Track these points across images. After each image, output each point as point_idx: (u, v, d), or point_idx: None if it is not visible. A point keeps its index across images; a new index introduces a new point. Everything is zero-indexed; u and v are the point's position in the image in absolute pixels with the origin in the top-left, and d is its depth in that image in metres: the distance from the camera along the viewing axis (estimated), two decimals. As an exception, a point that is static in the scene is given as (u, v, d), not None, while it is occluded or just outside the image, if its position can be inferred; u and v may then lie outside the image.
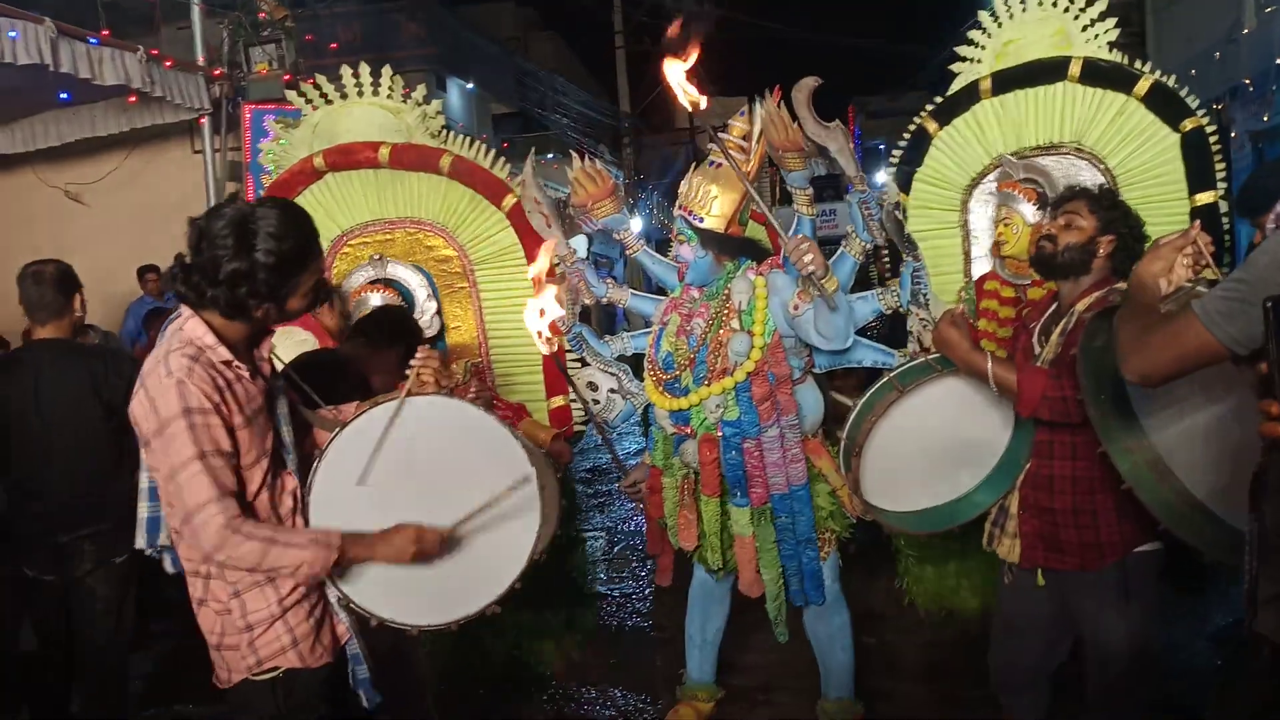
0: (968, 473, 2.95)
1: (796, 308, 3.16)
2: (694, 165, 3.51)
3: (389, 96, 4.27)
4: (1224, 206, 3.85)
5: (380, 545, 2.17)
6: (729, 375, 3.23)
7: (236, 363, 2.09)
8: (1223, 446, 2.26)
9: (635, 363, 3.73)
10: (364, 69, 4.27)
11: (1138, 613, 2.69)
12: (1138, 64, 4.01)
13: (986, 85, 4.11)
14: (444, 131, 4.31)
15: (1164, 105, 3.86)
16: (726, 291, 3.32)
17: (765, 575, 3.33)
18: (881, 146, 22.28)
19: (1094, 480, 2.63)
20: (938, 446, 2.97)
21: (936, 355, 2.90)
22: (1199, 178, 3.82)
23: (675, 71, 2.86)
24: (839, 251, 3.28)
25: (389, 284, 4.08)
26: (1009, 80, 4.10)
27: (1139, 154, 3.92)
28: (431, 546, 2.18)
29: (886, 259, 4.13)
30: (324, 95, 4.31)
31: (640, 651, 4.66)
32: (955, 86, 4.26)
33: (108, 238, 8.30)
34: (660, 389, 3.41)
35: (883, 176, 7.00)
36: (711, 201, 3.29)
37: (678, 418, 3.36)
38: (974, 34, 4.28)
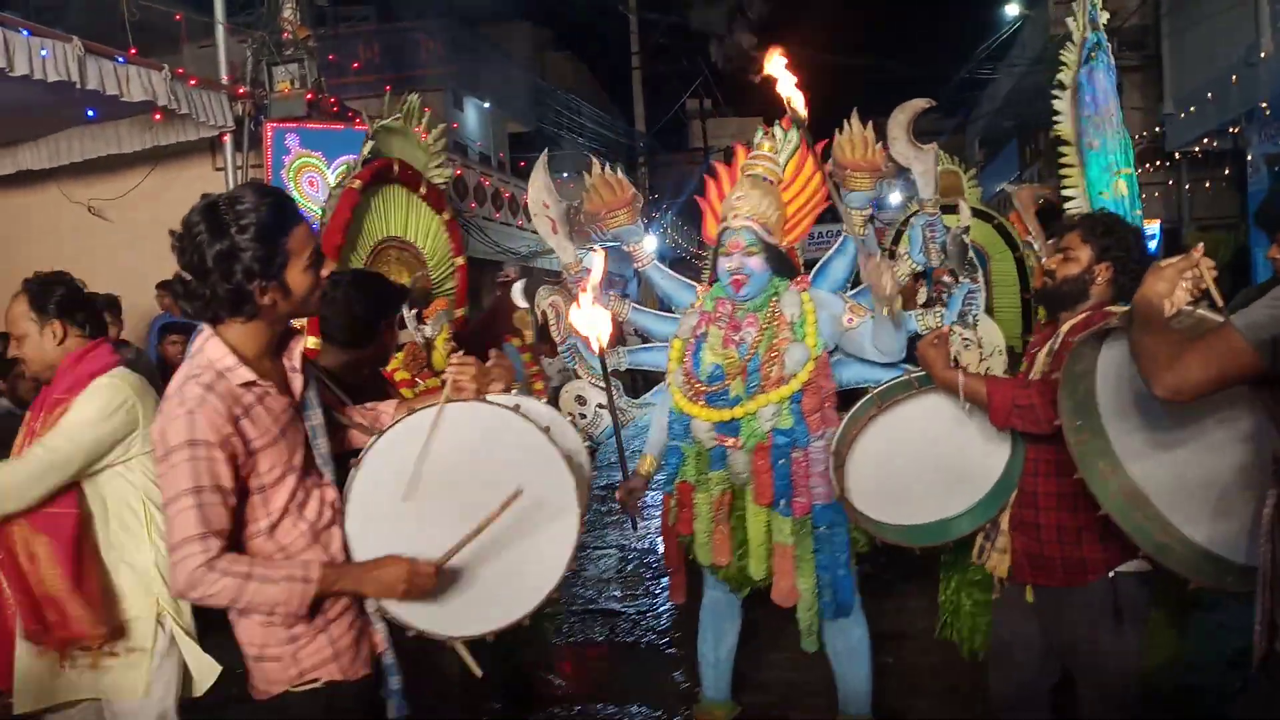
0: (964, 490, 2.96)
1: (850, 320, 3.18)
2: (741, 179, 3.49)
3: None
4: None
5: (368, 579, 2.09)
6: (785, 384, 3.25)
7: (259, 381, 2.06)
8: (1203, 475, 2.26)
9: (624, 378, 3.70)
10: None
11: (1129, 635, 2.67)
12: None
13: None
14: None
15: None
16: (773, 304, 3.36)
17: (802, 585, 3.33)
18: (895, 166, 22.20)
19: (1078, 497, 2.58)
20: (935, 464, 2.99)
21: (920, 374, 2.94)
22: None
23: (779, 67, 2.87)
24: None
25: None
26: None
27: None
28: (425, 581, 2.10)
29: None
30: None
31: (658, 668, 4.66)
32: None
33: (131, 253, 8.35)
34: (700, 402, 3.38)
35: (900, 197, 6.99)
36: (773, 217, 3.34)
37: (724, 429, 3.34)
38: None
